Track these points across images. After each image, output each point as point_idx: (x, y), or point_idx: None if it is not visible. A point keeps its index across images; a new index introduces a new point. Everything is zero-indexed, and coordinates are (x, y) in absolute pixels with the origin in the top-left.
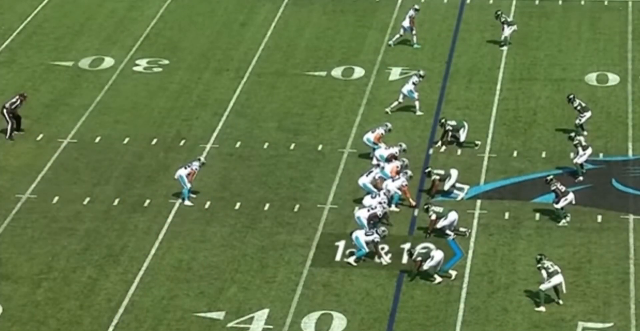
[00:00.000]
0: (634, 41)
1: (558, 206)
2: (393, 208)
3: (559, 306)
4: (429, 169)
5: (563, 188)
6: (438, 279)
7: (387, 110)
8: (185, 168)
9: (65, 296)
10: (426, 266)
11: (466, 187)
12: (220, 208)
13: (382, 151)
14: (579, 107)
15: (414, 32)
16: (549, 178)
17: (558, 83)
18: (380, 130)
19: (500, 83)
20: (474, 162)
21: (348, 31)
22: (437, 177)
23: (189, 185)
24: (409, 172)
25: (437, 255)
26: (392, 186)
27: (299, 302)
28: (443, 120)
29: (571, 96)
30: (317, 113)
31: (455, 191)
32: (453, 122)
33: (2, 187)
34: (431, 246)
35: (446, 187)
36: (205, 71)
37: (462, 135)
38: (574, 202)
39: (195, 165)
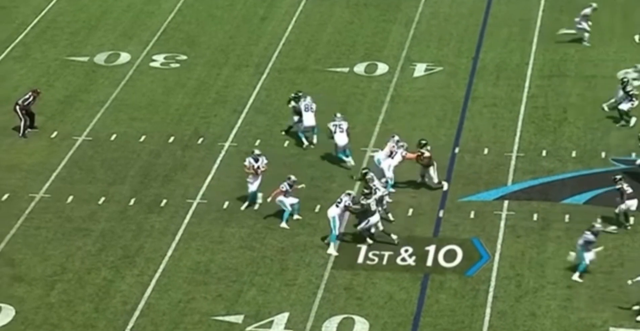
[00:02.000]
0: None
1: (617, 210)
2: (387, 199)
3: (589, 311)
4: (366, 171)
5: (629, 191)
6: (369, 241)
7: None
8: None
9: (79, 299)
10: (360, 226)
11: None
12: (238, 209)
13: (380, 154)
14: (631, 92)
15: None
16: (617, 176)
17: (589, 80)
18: (389, 144)
19: (529, 80)
20: (501, 161)
21: (371, 26)
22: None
23: (289, 207)
24: (405, 144)
25: (373, 219)
26: (389, 162)
27: (320, 306)
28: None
29: (625, 79)
30: (339, 110)
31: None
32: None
33: (16, 186)
34: (373, 208)
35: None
36: (224, 67)
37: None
38: (633, 208)
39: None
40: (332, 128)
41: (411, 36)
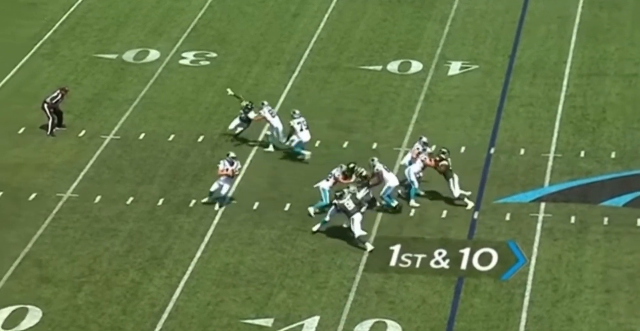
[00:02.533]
0: None
1: None
2: (412, 202)
3: (629, 316)
4: (354, 165)
5: None
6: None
7: None
8: (327, 180)
9: (107, 301)
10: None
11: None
12: (269, 210)
13: (407, 157)
14: None
15: None
16: None
17: (630, 78)
18: (415, 146)
19: (567, 78)
20: (538, 162)
21: (405, 23)
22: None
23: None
24: (428, 149)
25: (356, 218)
26: (411, 168)
27: (352, 309)
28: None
29: None
30: (371, 109)
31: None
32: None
33: (43, 185)
34: (350, 207)
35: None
36: (255, 64)
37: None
38: None
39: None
40: (297, 127)
41: (446, 33)
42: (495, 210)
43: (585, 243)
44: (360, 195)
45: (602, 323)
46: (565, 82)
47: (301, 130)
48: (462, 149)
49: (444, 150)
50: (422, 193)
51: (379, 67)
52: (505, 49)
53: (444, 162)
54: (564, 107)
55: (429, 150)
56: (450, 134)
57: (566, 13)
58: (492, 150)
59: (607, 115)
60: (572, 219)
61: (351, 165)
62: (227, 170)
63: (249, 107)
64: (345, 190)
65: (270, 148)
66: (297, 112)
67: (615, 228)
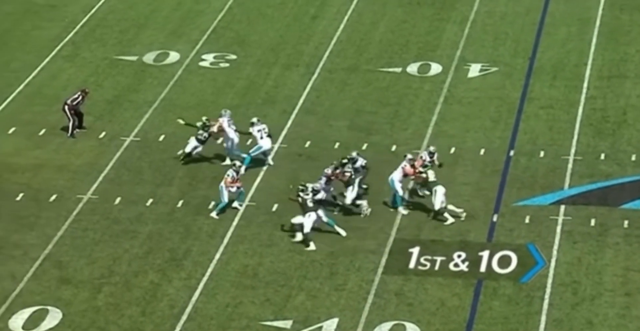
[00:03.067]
0: None
1: None
2: (401, 210)
3: None
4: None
5: None
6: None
7: None
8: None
9: (126, 302)
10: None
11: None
12: (288, 212)
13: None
14: None
15: None
16: None
17: None
18: (422, 155)
19: (587, 80)
20: (557, 164)
21: (425, 25)
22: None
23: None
24: (436, 160)
25: (310, 216)
26: (395, 176)
27: (370, 311)
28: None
29: None
30: (391, 111)
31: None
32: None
33: (63, 187)
34: (309, 205)
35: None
36: (274, 66)
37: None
38: None
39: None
40: (257, 134)
41: (466, 35)
42: (514, 213)
43: (605, 246)
44: (321, 195)
45: (622, 326)
46: (585, 84)
47: (261, 137)
48: (482, 151)
49: (427, 163)
50: (408, 199)
51: (399, 69)
52: (525, 51)
53: (423, 175)
54: (584, 109)
55: (435, 160)
56: (469, 136)
57: (587, 15)
58: (511, 153)
59: (627, 118)
60: (592, 222)
61: (344, 160)
62: (236, 180)
63: (207, 124)
64: (310, 186)
65: (227, 161)
66: (257, 119)
67: (636, 231)
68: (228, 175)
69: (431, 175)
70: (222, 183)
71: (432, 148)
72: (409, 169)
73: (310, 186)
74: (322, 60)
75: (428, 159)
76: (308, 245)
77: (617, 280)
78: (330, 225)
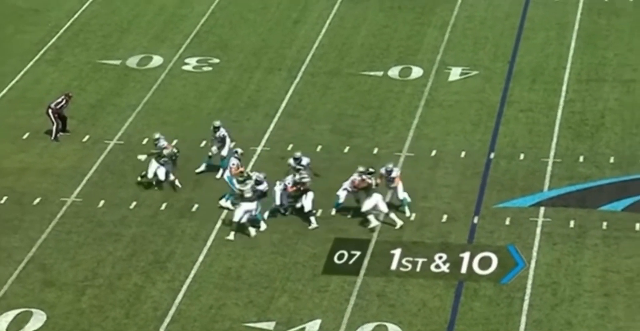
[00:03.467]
0: None
1: None
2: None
3: (627, 320)
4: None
5: None
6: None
7: None
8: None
9: (110, 304)
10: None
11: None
12: (270, 214)
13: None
14: None
15: None
16: None
17: (628, 84)
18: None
19: (566, 84)
20: (537, 167)
21: (406, 29)
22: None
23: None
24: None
25: (244, 206)
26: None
27: (353, 313)
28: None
29: None
30: (372, 115)
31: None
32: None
33: (47, 190)
34: (247, 195)
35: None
36: (257, 70)
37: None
38: None
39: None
40: (227, 140)
41: (446, 39)
42: (495, 215)
43: (584, 247)
44: (262, 187)
45: (601, 326)
46: (564, 88)
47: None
48: (463, 154)
49: (372, 170)
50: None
51: (380, 73)
52: (504, 55)
53: (367, 181)
54: (563, 112)
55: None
56: (450, 139)
57: (565, 20)
58: (491, 155)
59: (605, 121)
60: (571, 223)
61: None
62: (240, 167)
63: (159, 145)
64: (253, 175)
65: (202, 168)
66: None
67: (614, 233)
68: (233, 164)
69: (373, 182)
70: (227, 173)
71: (390, 166)
72: (357, 183)
73: (254, 176)
74: (305, 64)
75: (385, 174)
76: (228, 234)
77: (596, 280)
78: (256, 220)
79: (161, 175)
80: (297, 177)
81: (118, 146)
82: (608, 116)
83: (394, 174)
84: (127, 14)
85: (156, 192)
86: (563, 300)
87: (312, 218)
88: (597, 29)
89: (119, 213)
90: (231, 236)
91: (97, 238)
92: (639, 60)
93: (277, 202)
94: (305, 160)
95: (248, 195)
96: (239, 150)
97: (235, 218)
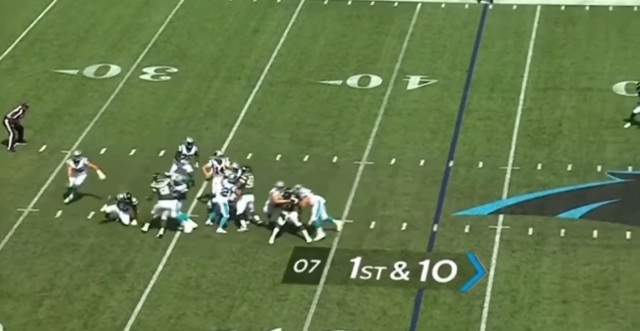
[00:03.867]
0: None
1: None
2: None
3: (585, 327)
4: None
5: None
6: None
7: None
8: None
9: (68, 315)
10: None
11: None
12: (230, 223)
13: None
14: None
15: None
16: None
17: (585, 92)
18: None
19: (523, 92)
20: (496, 175)
21: (364, 38)
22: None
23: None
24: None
25: (157, 205)
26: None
27: (313, 321)
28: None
29: None
30: (332, 123)
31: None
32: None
33: (4, 200)
34: (162, 193)
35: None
36: (216, 80)
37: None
38: None
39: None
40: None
41: (405, 48)
42: (454, 223)
43: (543, 254)
44: (180, 188)
45: None
46: (522, 96)
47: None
48: (422, 162)
49: (290, 190)
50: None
51: (339, 82)
52: (463, 64)
53: (241, 180)
54: (521, 120)
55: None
56: (409, 147)
57: (522, 28)
58: (450, 163)
59: (563, 129)
60: (530, 231)
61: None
62: (220, 170)
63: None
64: (172, 175)
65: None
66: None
67: (572, 240)
68: (212, 166)
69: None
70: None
71: (280, 183)
72: (276, 199)
73: (172, 176)
74: (263, 73)
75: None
76: (142, 225)
77: (555, 287)
78: (179, 220)
79: (125, 220)
80: (236, 180)
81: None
82: (565, 124)
83: (302, 195)
84: (84, 23)
85: (114, 202)
86: (522, 307)
87: (243, 222)
88: (554, 38)
89: (76, 224)
90: (145, 227)
91: (55, 248)
92: (595, 68)
93: (265, 210)
94: (194, 149)
95: (163, 193)
96: (218, 152)
97: (152, 211)
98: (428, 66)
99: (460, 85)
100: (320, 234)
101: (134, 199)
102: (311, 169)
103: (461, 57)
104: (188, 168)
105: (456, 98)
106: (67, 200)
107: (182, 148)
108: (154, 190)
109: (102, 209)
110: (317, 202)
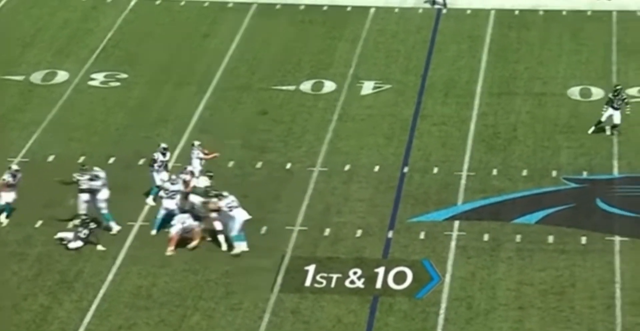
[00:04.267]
0: (619, 53)
1: None
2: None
3: None
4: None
5: None
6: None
7: None
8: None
9: (15, 326)
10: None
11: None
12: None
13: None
14: (626, 99)
15: None
16: None
17: (539, 97)
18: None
19: (478, 97)
20: (451, 180)
21: (317, 43)
22: None
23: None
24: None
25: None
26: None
27: (267, 330)
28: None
29: (619, 87)
30: (285, 129)
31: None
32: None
33: None
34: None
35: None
36: (166, 85)
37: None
38: None
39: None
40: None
41: (358, 53)
42: (409, 229)
43: (499, 260)
44: (97, 184)
45: None
46: (476, 101)
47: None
48: (376, 168)
49: (215, 192)
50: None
51: (292, 87)
52: (417, 69)
53: (216, 204)
54: (475, 125)
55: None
56: (364, 153)
57: (476, 33)
58: (405, 169)
59: (517, 134)
60: (485, 237)
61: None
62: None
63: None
64: (96, 170)
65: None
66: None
67: (528, 246)
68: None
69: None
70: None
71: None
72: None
73: (96, 171)
74: (215, 78)
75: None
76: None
77: (511, 294)
78: (106, 220)
79: (74, 246)
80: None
81: (22, 163)
82: (520, 129)
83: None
84: (30, 28)
85: (62, 211)
86: (478, 313)
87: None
88: (507, 42)
89: (23, 232)
90: (100, 247)
91: (1, 258)
92: (549, 73)
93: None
94: (168, 154)
95: (82, 186)
96: (163, 145)
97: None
98: (382, 71)
99: (414, 90)
100: (238, 249)
101: (92, 224)
102: (264, 176)
103: (415, 62)
104: (164, 176)
105: (411, 103)
106: (3, 217)
107: (157, 156)
108: (76, 180)
109: (57, 236)
110: (236, 216)
